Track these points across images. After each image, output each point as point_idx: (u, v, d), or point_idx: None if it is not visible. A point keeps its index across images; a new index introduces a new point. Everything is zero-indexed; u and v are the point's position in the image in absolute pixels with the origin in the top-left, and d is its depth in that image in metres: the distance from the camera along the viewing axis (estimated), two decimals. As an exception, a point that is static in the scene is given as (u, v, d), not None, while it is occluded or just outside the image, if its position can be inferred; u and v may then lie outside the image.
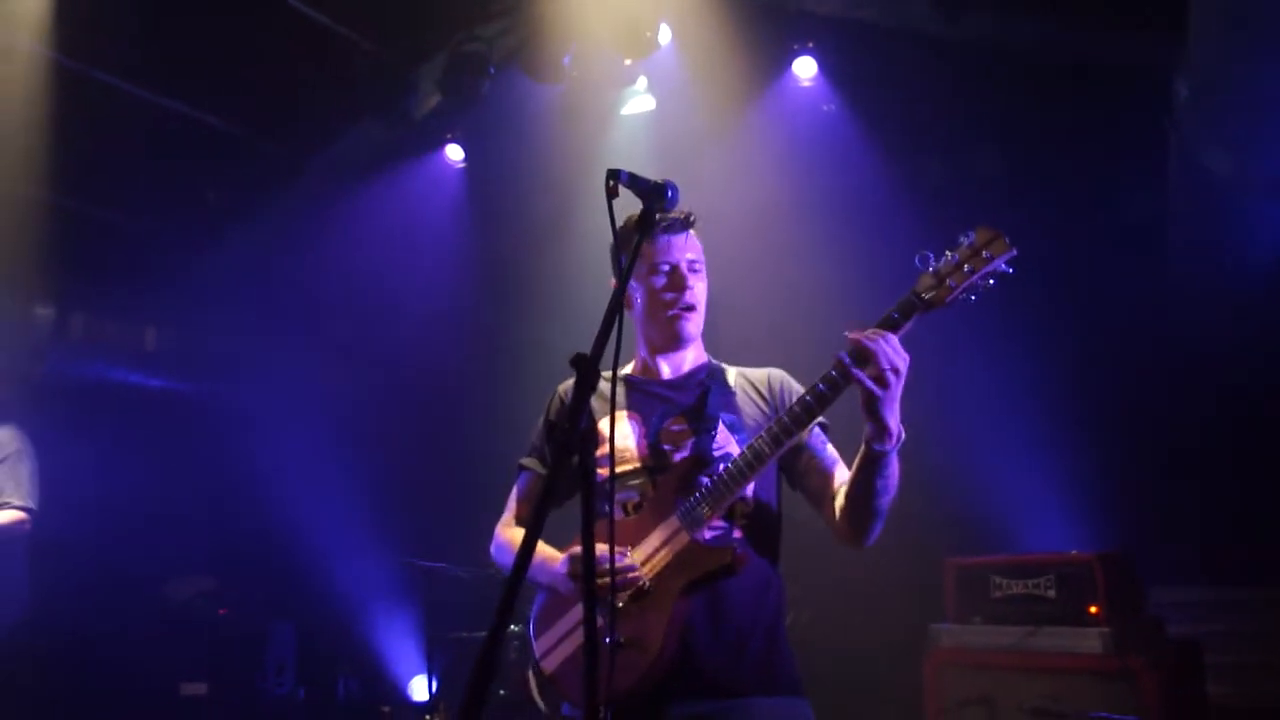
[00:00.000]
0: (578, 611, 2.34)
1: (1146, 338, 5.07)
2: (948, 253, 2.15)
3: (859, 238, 5.60)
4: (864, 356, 2.06)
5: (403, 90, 6.76)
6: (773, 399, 2.53)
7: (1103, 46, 5.06)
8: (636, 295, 2.52)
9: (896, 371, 2.04)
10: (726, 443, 2.40)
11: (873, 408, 2.06)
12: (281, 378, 7.26)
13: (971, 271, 2.11)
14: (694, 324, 2.55)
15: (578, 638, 2.31)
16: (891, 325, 2.11)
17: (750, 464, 2.24)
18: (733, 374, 2.60)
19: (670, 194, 2.13)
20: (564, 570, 2.34)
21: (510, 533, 2.66)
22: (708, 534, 2.29)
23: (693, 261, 2.53)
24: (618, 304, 1.86)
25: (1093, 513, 4.80)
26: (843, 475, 2.37)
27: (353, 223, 7.20)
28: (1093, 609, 4.05)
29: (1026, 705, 4.02)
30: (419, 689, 7.01)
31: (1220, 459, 4.90)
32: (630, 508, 2.40)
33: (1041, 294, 4.76)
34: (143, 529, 6.74)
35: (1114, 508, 4.79)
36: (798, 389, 2.49)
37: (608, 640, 2.17)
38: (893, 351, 2.05)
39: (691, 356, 2.62)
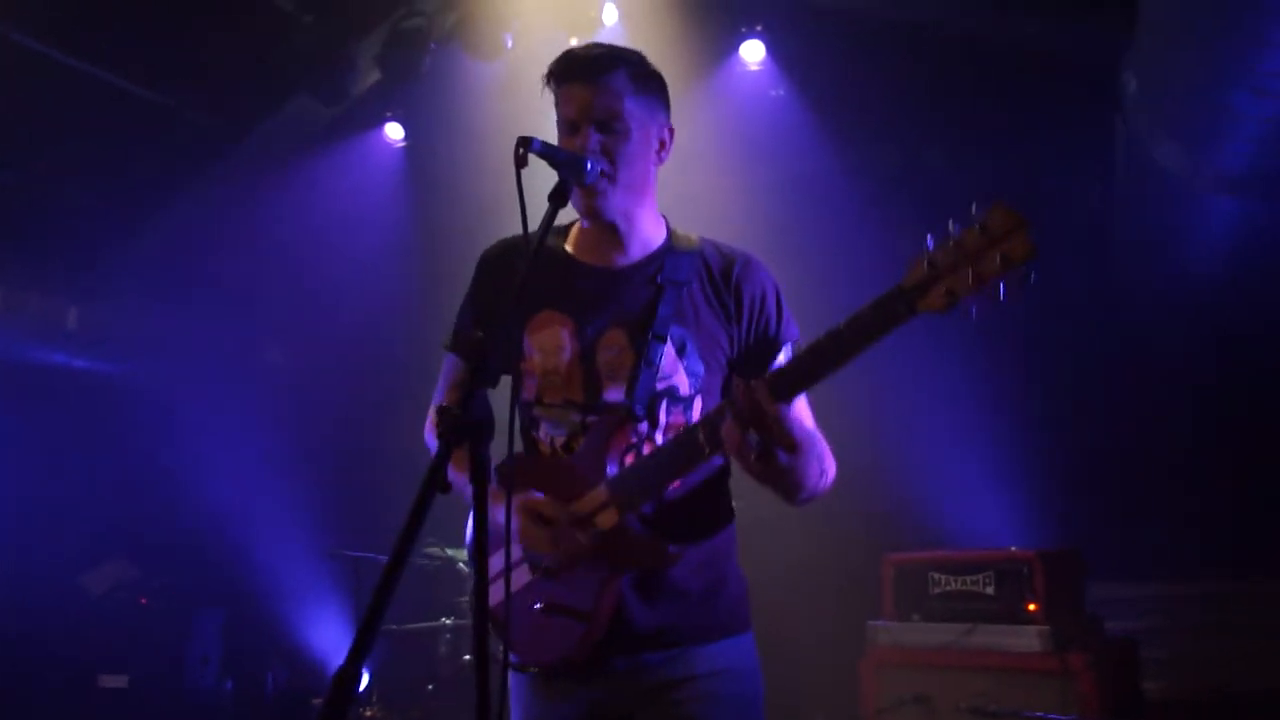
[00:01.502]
0: (514, 550, 2.11)
1: (1092, 331, 5.05)
2: (950, 236, 1.63)
3: (806, 226, 5.51)
4: (748, 420, 1.74)
5: (340, 66, 6.55)
6: (736, 306, 2.15)
7: (1051, 36, 5.01)
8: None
9: (791, 447, 1.74)
10: (672, 372, 2.08)
11: (763, 479, 1.80)
12: (209, 359, 7.03)
13: (978, 280, 1.58)
14: (606, 194, 2.08)
15: (514, 580, 2.11)
16: (860, 335, 1.71)
17: (679, 461, 1.95)
18: (694, 255, 2.18)
19: (589, 166, 1.97)
20: (515, 524, 2.07)
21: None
22: (643, 510, 2.04)
23: (606, 115, 2.06)
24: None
25: (1034, 508, 4.78)
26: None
27: (287, 200, 6.96)
28: (1031, 606, 4.00)
29: (964, 704, 3.97)
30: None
31: (1161, 454, 4.90)
32: (559, 446, 2.13)
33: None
34: (62, 515, 6.49)
35: (1056, 503, 4.77)
36: (770, 295, 2.18)
37: (536, 606, 2.06)
38: (784, 424, 1.72)
39: (644, 232, 2.20)
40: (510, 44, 6.24)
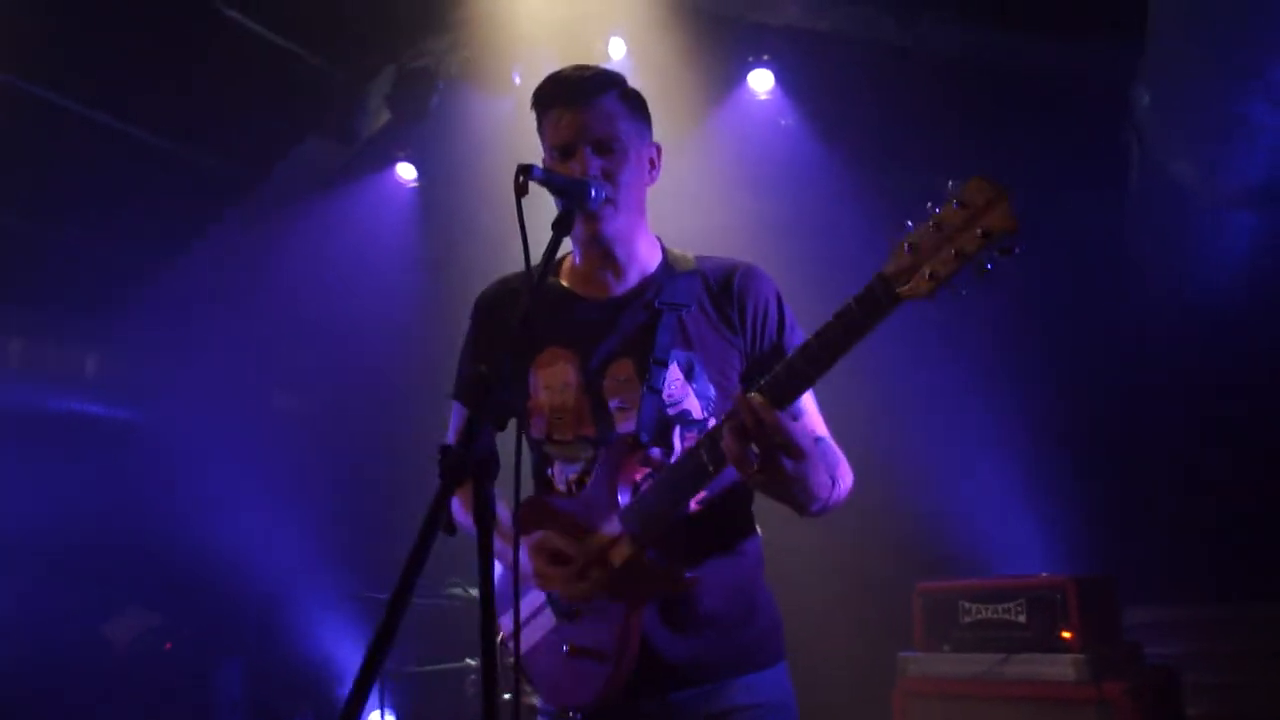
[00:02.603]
0: (535, 595, 2.10)
1: (1115, 354, 4.96)
2: (931, 218, 1.58)
3: (818, 254, 5.46)
4: (747, 433, 1.68)
5: (351, 107, 6.59)
6: (740, 316, 2.10)
7: (1060, 54, 4.96)
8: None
9: (796, 455, 1.68)
10: (682, 396, 2.03)
11: (771, 492, 1.75)
12: (226, 404, 7.03)
13: (961, 258, 1.54)
14: (609, 220, 2.04)
15: (539, 625, 2.09)
16: (850, 333, 1.65)
17: (685, 482, 1.88)
18: (693, 276, 2.13)
19: (593, 193, 1.91)
20: (526, 564, 2.04)
21: None
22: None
23: (603, 137, 2.03)
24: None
25: (1067, 534, 4.68)
26: (810, 429, 2.03)
27: (301, 243, 6.99)
28: (1065, 634, 3.90)
29: (998, 736, 3.88)
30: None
31: (1195, 475, 4.79)
32: (573, 483, 2.09)
33: (1008, 308, 4.64)
34: (84, 561, 6.48)
35: (1090, 527, 4.67)
36: (771, 302, 2.12)
37: (564, 649, 2.02)
38: (784, 433, 1.66)
39: (641, 255, 2.15)
40: (519, 80, 6.27)
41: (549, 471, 2.15)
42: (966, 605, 4.19)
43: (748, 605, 2.08)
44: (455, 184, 7.04)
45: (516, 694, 1.73)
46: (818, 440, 2.02)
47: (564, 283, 2.21)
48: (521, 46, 6.06)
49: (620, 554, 1.94)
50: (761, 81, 6.16)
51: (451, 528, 1.38)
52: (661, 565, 1.96)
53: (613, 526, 1.97)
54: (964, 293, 1.57)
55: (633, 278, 2.15)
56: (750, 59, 6.13)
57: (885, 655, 4.36)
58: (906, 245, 1.59)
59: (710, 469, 1.83)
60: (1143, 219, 4.85)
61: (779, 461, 1.67)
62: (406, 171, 7.17)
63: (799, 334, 2.13)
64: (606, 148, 2.04)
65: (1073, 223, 5.02)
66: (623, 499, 1.98)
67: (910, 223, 1.60)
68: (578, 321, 2.14)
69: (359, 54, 6.32)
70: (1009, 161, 5.30)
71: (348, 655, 7.04)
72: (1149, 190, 4.69)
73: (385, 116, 6.72)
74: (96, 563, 6.55)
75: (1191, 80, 3.99)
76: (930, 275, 1.56)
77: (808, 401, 2.09)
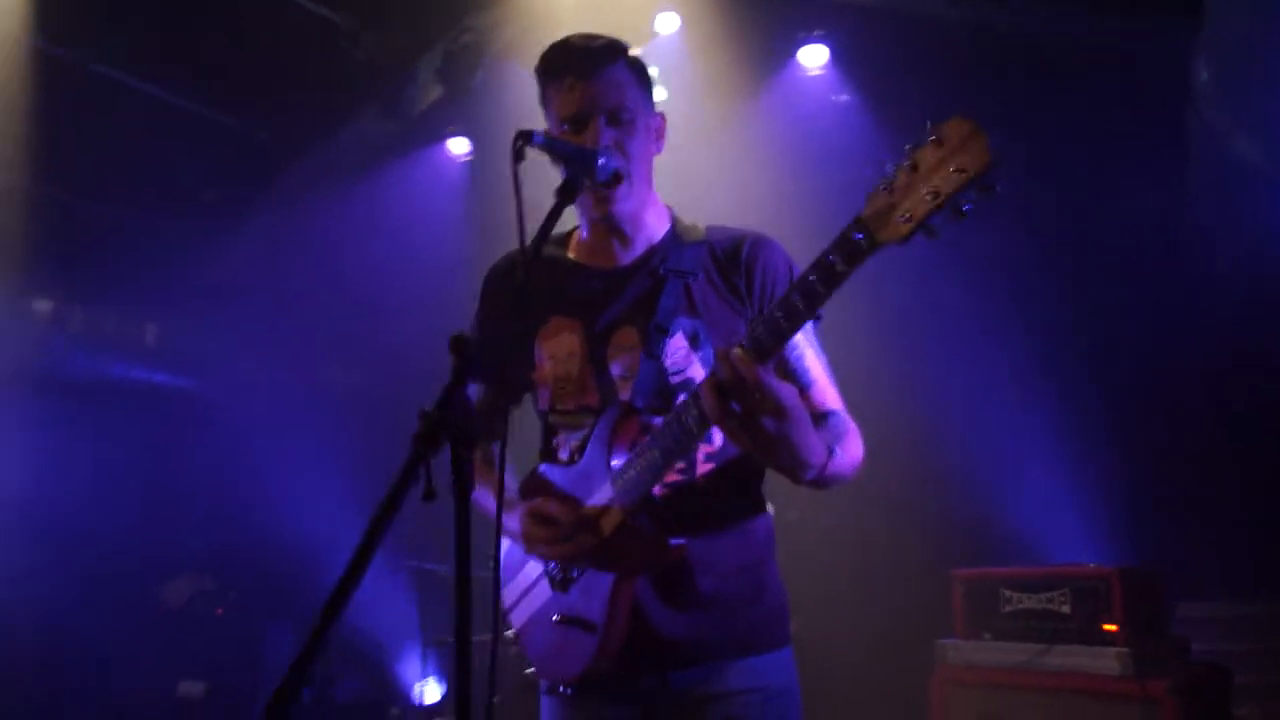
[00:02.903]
0: (534, 566, 2.09)
1: (1173, 335, 4.80)
2: (908, 157, 1.49)
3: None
4: (726, 389, 1.61)
5: (402, 82, 6.61)
6: (747, 285, 2.04)
7: (1119, 29, 4.79)
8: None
9: (778, 413, 1.61)
10: (686, 364, 1.99)
11: (759, 455, 1.68)
12: (284, 374, 7.14)
13: (935, 196, 1.45)
14: (624, 196, 2.01)
15: (536, 596, 2.08)
16: (827, 283, 1.56)
17: (670, 446, 1.81)
18: (701, 245, 2.09)
19: (602, 162, 1.87)
20: (515, 528, 2.04)
21: None
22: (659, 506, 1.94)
23: (615, 108, 1.98)
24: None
25: (1115, 522, 4.55)
26: (818, 401, 1.99)
27: (353, 215, 7.05)
28: (1110, 627, 3.79)
29: (1038, 729, 3.80)
30: (426, 692, 6.88)
31: (1255, 463, 4.62)
32: (575, 454, 2.06)
33: (1060, 286, 4.52)
34: (140, 526, 6.65)
35: (1137, 517, 4.53)
36: (781, 270, 2.06)
37: (554, 619, 2.01)
38: (764, 389, 1.59)
39: (648, 225, 2.12)
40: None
41: (554, 442, 2.14)
42: (1008, 593, 4.10)
43: (754, 585, 2.04)
44: (506, 158, 7.03)
45: (493, 664, 1.70)
46: (828, 415, 1.98)
47: (570, 255, 2.19)
48: (566, 22, 6.02)
49: (610, 521, 1.91)
50: (813, 57, 6.06)
51: (431, 494, 1.34)
52: (649, 533, 1.91)
53: (605, 493, 1.94)
54: (939, 236, 1.49)
55: (639, 247, 2.13)
56: (801, 34, 6.03)
57: (922, 641, 4.29)
58: (883, 187, 1.52)
59: (695, 431, 1.78)
60: (1203, 196, 4.67)
61: (759, 420, 1.61)
62: (458, 146, 7.18)
63: None
64: (618, 119, 2.00)
65: (1129, 200, 4.86)
66: (616, 466, 1.94)
67: (889, 166, 1.53)
68: (582, 291, 2.12)
69: (410, 30, 6.33)
70: (1066, 138, 5.16)
71: (398, 625, 7.14)
72: (1209, 167, 4.52)
73: (437, 92, 6.72)
74: (154, 527, 6.72)
75: (1251, 55, 3.83)
76: (907, 216, 1.48)
77: (819, 373, 2.03)
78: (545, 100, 2.08)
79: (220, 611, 6.72)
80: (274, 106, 6.59)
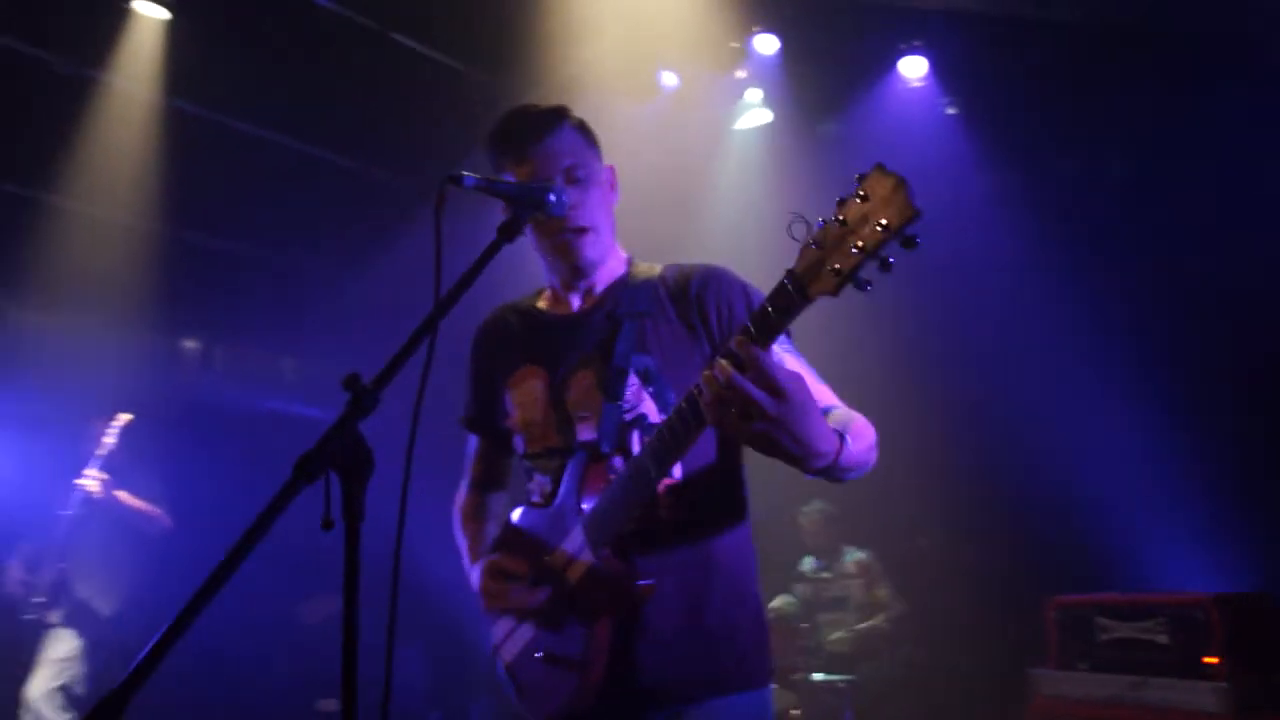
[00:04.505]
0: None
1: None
2: (836, 213, 1.49)
3: (973, 248, 5.20)
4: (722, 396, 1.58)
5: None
6: (701, 319, 2.05)
7: (1223, 19, 4.48)
8: (527, 230, 2.07)
9: (768, 417, 1.55)
10: (638, 401, 2.00)
11: (761, 446, 1.62)
12: (408, 404, 7.43)
13: (860, 251, 1.45)
14: (591, 246, 2.09)
15: (523, 632, 2.11)
16: (762, 333, 1.58)
17: (631, 489, 1.83)
18: (653, 283, 2.12)
19: (552, 198, 1.84)
20: (476, 584, 2.11)
21: (465, 503, 2.45)
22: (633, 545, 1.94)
23: (571, 167, 2.06)
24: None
25: (1218, 546, 4.23)
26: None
27: (475, 248, 7.29)
28: (1210, 659, 3.54)
29: (1132, 766, 3.57)
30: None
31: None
32: (546, 496, 2.09)
33: (1166, 303, 4.25)
34: (282, 548, 7.04)
35: (1246, 541, 4.19)
36: (736, 299, 2.04)
37: (537, 655, 2.04)
38: (754, 390, 1.54)
39: (606, 271, 2.18)
40: (665, 85, 6.35)
41: (529, 486, 2.20)
42: (1104, 621, 3.88)
43: (727, 623, 2.00)
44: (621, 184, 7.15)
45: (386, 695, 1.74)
46: (828, 409, 1.92)
47: (540, 305, 2.27)
48: (665, 52, 6.13)
49: (578, 567, 1.94)
50: (913, 68, 5.94)
51: (329, 524, 1.40)
52: (616, 574, 1.92)
53: (576, 536, 1.97)
54: (869, 288, 1.48)
55: (598, 292, 2.18)
56: (901, 46, 5.92)
57: (1014, 670, 4.10)
58: (813, 241, 1.53)
59: (652, 473, 1.79)
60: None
61: (758, 406, 1.55)
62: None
63: None
64: (574, 176, 2.07)
65: (1250, 205, 4.54)
66: (586, 509, 1.97)
67: (821, 219, 1.53)
68: (546, 338, 2.19)
69: (518, 66, 6.55)
70: (1177, 137, 4.87)
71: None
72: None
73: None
74: (296, 549, 7.10)
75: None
76: (834, 270, 1.49)
77: (804, 370, 1.99)
78: (501, 171, 2.13)
79: (352, 631, 7.04)
80: (397, 148, 6.94)
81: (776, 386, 1.55)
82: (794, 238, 1.56)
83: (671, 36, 5.99)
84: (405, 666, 7.00)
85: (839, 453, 1.68)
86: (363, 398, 1.51)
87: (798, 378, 1.58)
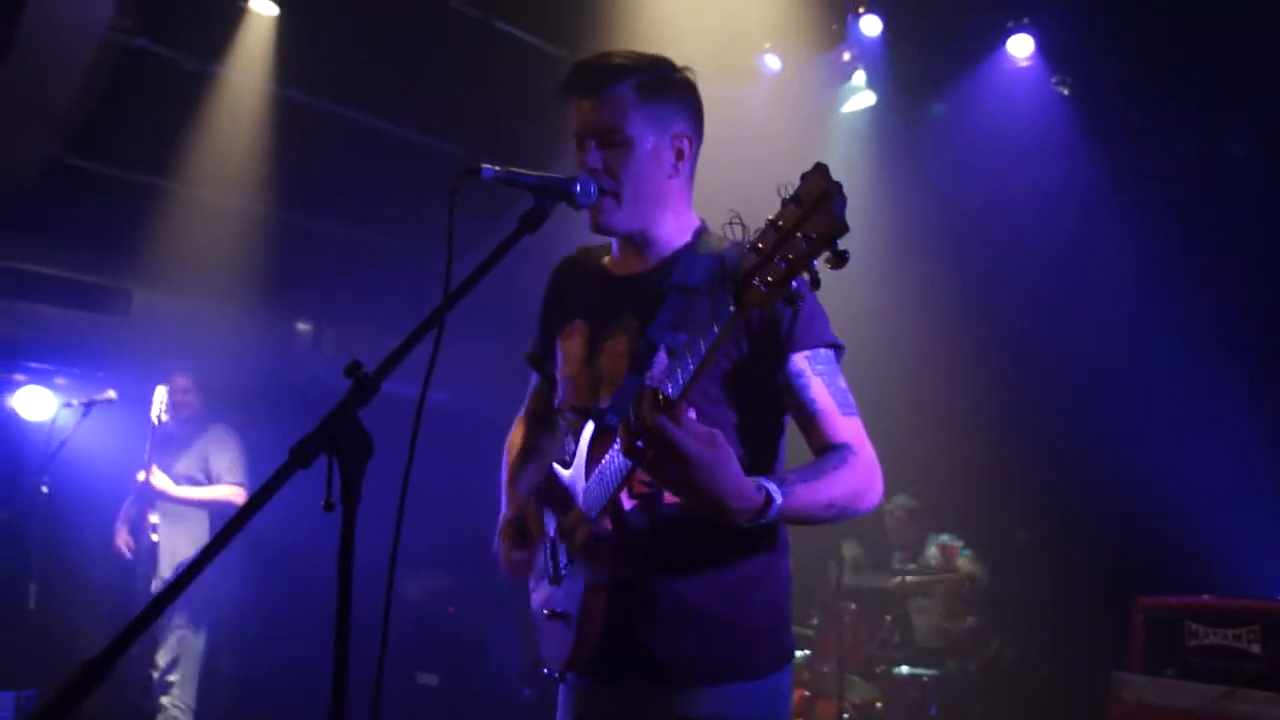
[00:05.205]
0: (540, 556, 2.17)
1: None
2: (775, 215, 1.43)
3: (1087, 232, 4.98)
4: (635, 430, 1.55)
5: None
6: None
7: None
8: None
9: (682, 461, 1.53)
10: (661, 382, 1.85)
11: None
12: (519, 387, 7.57)
13: (787, 266, 1.39)
14: (607, 212, 2.01)
15: (542, 587, 2.14)
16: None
17: (612, 470, 1.83)
18: (714, 258, 2.00)
19: (580, 187, 1.87)
20: (502, 521, 2.21)
21: (515, 435, 2.47)
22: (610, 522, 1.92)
23: (607, 130, 1.99)
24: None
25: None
26: (825, 431, 1.89)
27: (570, 234, 7.36)
28: (1305, 672, 3.30)
29: (1217, 780, 3.35)
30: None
31: None
32: (569, 457, 2.07)
33: (1263, 302, 3.98)
34: (389, 528, 7.28)
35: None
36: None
37: (544, 612, 2.08)
38: (664, 438, 1.52)
39: (663, 238, 2.09)
40: (767, 67, 6.26)
41: (564, 442, 2.20)
42: (1193, 626, 3.66)
43: (737, 606, 1.96)
44: (723, 169, 7.10)
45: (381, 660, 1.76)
46: (832, 447, 1.88)
47: (605, 261, 2.23)
48: (766, 33, 6.06)
49: (580, 534, 1.94)
50: (1021, 47, 5.70)
51: (330, 506, 1.42)
52: (607, 550, 1.90)
53: (582, 502, 1.98)
54: (800, 303, 1.47)
55: (654, 259, 2.12)
56: (1009, 24, 5.69)
57: (1099, 672, 3.90)
58: (749, 247, 1.45)
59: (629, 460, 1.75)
60: None
61: (663, 465, 1.57)
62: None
63: (814, 334, 1.95)
64: (610, 140, 2.01)
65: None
66: (590, 476, 1.97)
67: (760, 226, 1.46)
68: (598, 295, 2.16)
69: (605, 44, 6.55)
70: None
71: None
72: None
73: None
74: (405, 526, 7.33)
75: None
76: (763, 282, 1.43)
77: (826, 403, 1.90)
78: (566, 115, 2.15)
79: (452, 609, 7.23)
80: (500, 136, 7.05)
81: (683, 454, 1.53)
82: (731, 240, 1.54)
83: (773, 19, 5.91)
84: (503, 647, 7.13)
85: (763, 509, 1.66)
86: (363, 385, 1.53)
87: (710, 437, 1.56)
